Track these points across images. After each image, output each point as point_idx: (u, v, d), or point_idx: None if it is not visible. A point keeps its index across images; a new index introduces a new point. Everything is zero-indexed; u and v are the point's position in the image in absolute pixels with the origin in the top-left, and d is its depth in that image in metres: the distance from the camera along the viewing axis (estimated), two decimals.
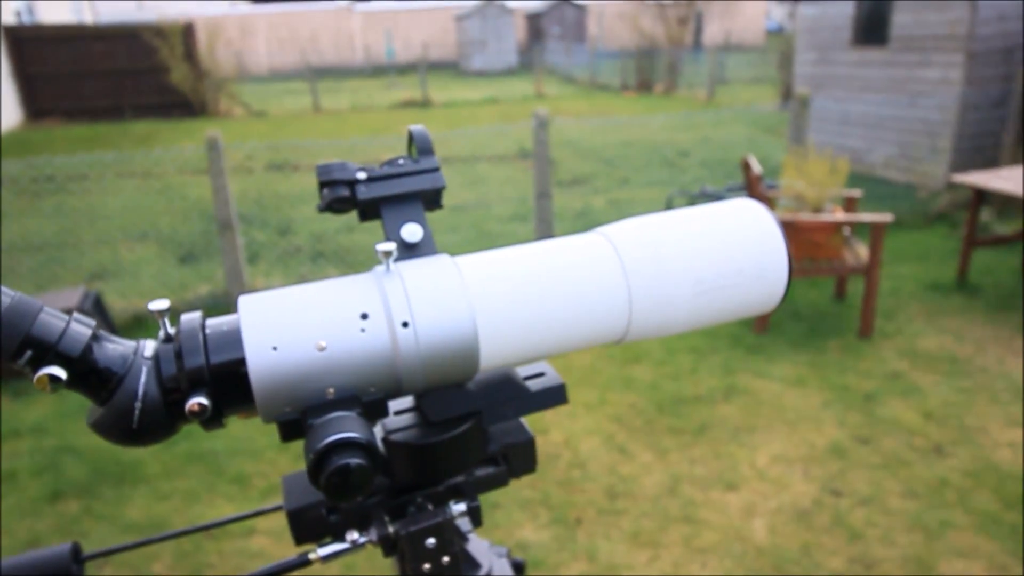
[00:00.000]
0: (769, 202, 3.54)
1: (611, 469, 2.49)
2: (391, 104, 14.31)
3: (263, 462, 2.59)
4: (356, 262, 4.70)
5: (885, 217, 3.27)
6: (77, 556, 0.54)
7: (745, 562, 2.03)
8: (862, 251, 3.44)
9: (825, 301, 3.91)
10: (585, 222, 5.58)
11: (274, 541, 2.17)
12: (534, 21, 23.96)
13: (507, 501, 2.31)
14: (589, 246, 0.52)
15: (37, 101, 12.54)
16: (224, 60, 13.75)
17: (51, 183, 6.82)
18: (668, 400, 2.94)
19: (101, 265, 4.83)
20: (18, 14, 13.33)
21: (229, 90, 13.47)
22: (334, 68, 22.98)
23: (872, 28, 6.39)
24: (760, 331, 3.52)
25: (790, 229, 3.34)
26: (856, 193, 3.74)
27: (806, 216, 3.38)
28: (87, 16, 17.31)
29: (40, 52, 12.40)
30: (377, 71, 22.90)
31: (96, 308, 3.45)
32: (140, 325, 3.79)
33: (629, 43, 17.17)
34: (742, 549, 2.08)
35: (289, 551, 2.06)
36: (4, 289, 0.42)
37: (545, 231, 4.39)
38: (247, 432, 2.73)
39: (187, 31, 12.68)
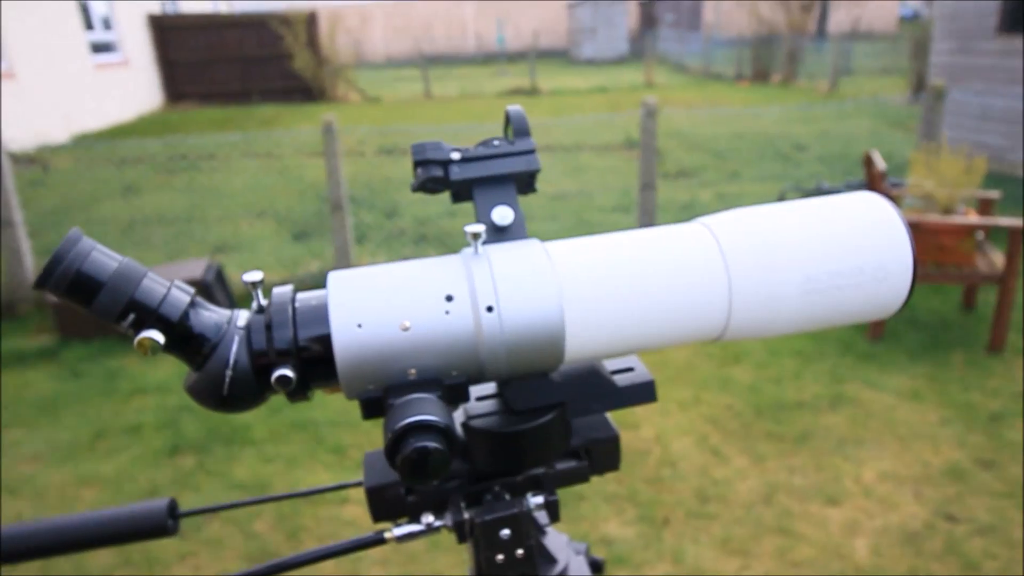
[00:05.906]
0: (894, 200, 3.29)
1: (703, 471, 2.41)
2: (499, 92, 14.42)
3: (360, 434, 2.69)
4: (457, 245, 4.76)
5: None
6: (173, 512, 0.56)
7: None
8: (997, 258, 3.15)
9: (950, 310, 3.61)
10: (689, 215, 5.40)
11: (366, 511, 2.24)
12: (647, 8, 23.45)
13: (593, 494, 2.29)
14: (687, 236, 0.49)
15: (176, 85, 13.56)
16: (343, 48, 14.33)
17: (184, 161, 7.35)
18: (768, 404, 2.81)
19: (224, 239, 5.15)
20: (163, 4, 14.40)
21: (346, 76, 14.02)
22: (446, 56, 23.43)
23: (1022, 13, 5.82)
24: (874, 338, 3.30)
25: (915, 230, 3.08)
26: (994, 194, 3.42)
27: (934, 217, 3.13)
28: (222, 6, 18.47)
29: (180, 39, 13.39)
30: (487, 59, 23.15)
31: (218, 279, 3.69)
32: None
33: (747, 30, 16.47)
34: (841, 567, 1.97)
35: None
36: (112, 254, 0.44)
37: (647, 223, 4.29)
38: (347, 404, 2.84)
39: (310, 20, 13.29)
